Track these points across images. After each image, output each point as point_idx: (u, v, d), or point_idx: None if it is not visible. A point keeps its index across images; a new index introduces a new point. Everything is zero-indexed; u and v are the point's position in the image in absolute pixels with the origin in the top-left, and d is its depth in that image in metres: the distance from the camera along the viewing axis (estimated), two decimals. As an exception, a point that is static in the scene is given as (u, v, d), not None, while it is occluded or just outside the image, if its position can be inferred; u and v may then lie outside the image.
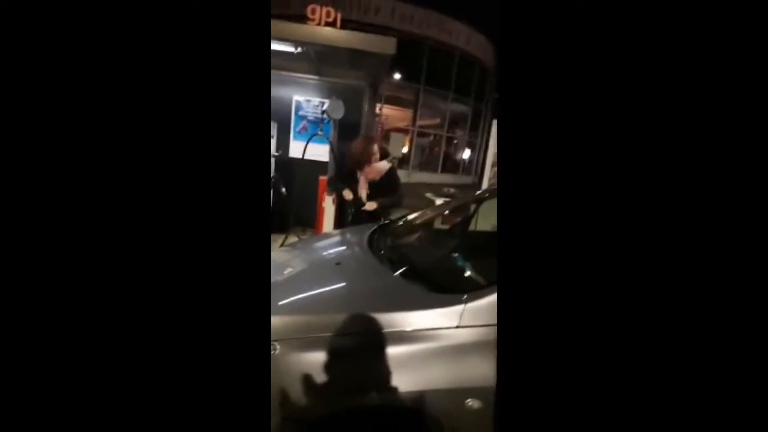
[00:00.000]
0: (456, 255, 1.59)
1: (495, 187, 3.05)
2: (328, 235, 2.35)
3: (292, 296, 1.20)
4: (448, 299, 1.05)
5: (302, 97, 3.87)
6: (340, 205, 2.88)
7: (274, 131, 3.35)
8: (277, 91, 3.75)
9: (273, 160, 3.37)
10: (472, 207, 2.40)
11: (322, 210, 3.27)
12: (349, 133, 3.13)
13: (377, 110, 10.30)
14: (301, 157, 3.29)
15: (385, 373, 0.96)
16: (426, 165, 13.54)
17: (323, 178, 3.47)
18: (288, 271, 1.44)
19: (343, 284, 1.32)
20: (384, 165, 2.39)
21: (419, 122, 12.85)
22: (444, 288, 1.15)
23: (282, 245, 2.91)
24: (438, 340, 0.99)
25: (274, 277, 1.36)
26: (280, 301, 1.14)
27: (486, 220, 2.28)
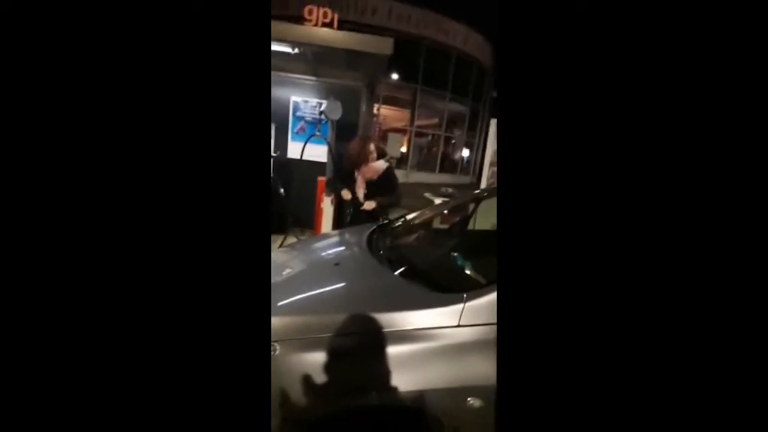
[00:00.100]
0: (455, 254, 1.59)
1: (493, 186, 3.06)
2: (326, 236, 2.35)
3: (292, 297, 1.20)
4: (448, 298, 1.05)
5: (300, 98, 3.87)
6: (339, 205, 2.88)
7: (272, 132, 3.34)
8: (275, 92, 3.75)
9: (271, 160, 3.36)
10: (471, 206, 2.40)
11: (320, 211, 3.27)
12: (347, 134, 3.13)
13: (375, 111, 10.31)
14: (299, 157, 3.29)
15: (385, 373, 0.96)
16: (424, 165, 13.56)
17: (321, 178, 3.47)
18: (287, 271, 1.44)
19: (342, 284, 1.32)
20: (381, 164, 2.40)
21: (417, 122, 12.88)
22: (444, 287, 1.15)
23: (281, 246, 2.91)
24: (438, 339, 0.99)
25: (274, 278, 1.35)
26: (279, 302, 1.14)
27: (485, 219, 2.28)
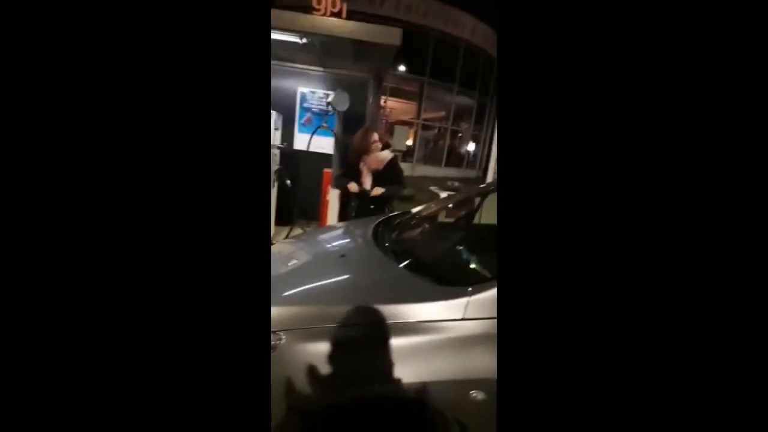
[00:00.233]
0: (461, 248, 1.59)
1: (500, 180, 3.03)
2: (332, 228, 2.35)
3: (298, 287, 1.21)
4: (453, 291, 1.06)
5: (307, 89, 3.86)
6: (344, 201, 2.88)
7: (279, 123, 3.33)
8: (282, 83, 3.74)
9: (278, 152, 3.36)
10: (477, 200, 2.39)
11: (326, 202, 3.28)
12: (354, 126, 3.12)
13: (382, 102, 10.25)
14: (305, 148, 3.29)
15: (389, 365, 0.96)
16: (430, 158, 13.50)
17: (328, 170, 3.47)
18: (293, 263, 1.45)
19: (348, 276, 1.32)
20: (386, 155, 2.39)
21: (424, 115, 12.79)
22: (449, 280, 1.15)
23: (287, 237, 2.93)
24: (442, 332, 0.99)
25: (279, 269, 1.36)
26: (285, 292, 1.15)
27: (490, 213, 2.27)
